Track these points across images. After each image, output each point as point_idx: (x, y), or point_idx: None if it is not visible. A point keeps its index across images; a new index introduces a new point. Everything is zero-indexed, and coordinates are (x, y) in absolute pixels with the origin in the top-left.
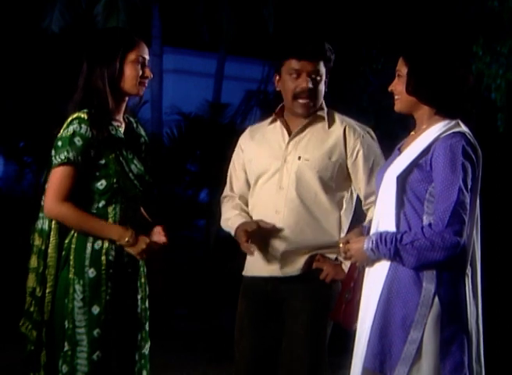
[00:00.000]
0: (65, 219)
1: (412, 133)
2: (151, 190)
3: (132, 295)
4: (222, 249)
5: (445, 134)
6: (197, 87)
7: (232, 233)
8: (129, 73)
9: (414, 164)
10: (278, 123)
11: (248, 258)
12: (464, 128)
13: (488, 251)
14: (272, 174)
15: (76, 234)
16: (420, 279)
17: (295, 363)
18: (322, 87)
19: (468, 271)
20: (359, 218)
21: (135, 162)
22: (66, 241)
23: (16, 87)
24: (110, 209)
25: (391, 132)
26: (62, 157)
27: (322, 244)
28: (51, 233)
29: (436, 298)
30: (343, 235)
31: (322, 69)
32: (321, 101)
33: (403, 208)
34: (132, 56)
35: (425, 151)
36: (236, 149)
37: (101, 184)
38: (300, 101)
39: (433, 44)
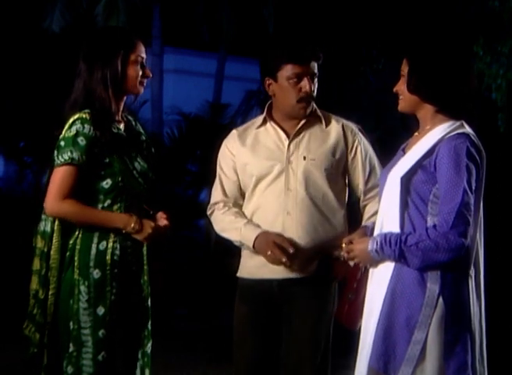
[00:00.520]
0: (69, 215)
1: (416, 134)
2: (154, 187)
3: (136, 293)
4: (222, 249)
5: (449, 135)
6: (197, 88)
7: (248, 244)
8: (131, 74)
9: (418, 165)
10: (269, 125)
11: (248, 260)
12: (468, 129)
13: (490, 251)
14: (276, 176)
15: (80, 235)
16: (424, 280)
17: (302, 365)
18: (316, 88)
19: (472, 272)
20: (355, 216)
21: (138, 159)
22: (71, 242)
23: (16, 87)
24: (115, 208)
25: (391, 132)
26: (66, 157)
27: (333, 242)
28: (54, 234)
29: (440, 299)
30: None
31: (317, 71)
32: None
33: (407, 209)
34: (132, 57)
35: (429, 152)
36: (223, 152)
37: (107, 183)
38: (304, 104)
39: (434, 42)
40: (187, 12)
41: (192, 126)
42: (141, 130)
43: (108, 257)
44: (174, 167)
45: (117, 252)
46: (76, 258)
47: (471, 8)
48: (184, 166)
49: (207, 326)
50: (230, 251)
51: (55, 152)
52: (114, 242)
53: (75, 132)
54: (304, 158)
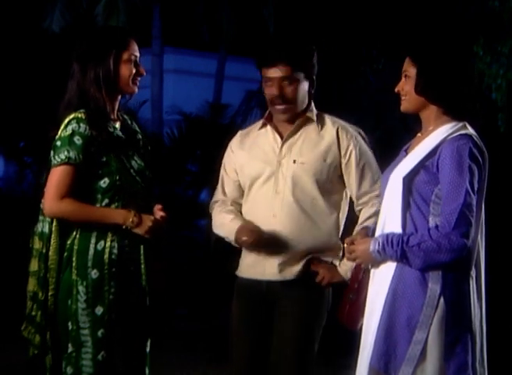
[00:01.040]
0: (68, 214)
1: (418, 134)
2: (152, 185)
3: (134, 293)
4: (222, 249)
5: (452, 136)
6: (197, 88)
7: (231, 237)
8: (124, 72)
9: (421, 165)
10: (269, 128)
11: (244, 259)
12: (470, 130)
13: (491, 252)
14: (267, 178)
15: (78, 236)
16: (425, 280)
17: (283, 363)
18: (297, 92)
19: (473, 273)
20: (352, 219)
21: (135, 158)
22: (68, 242)
23: (16, 87)
24: (113, 207)
25: (391, 132)
26: (63, 157)
27: (320, 247)
28: (52, 235)
29: (442, 299)
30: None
31: (293, 74)
32: (305, 104)
33: (409, 210)
34: (125, 56)
35: (432, 152)
36: (227, 153)
37: (104, 182)
38: (276, 106)
39: (441, 44)
40: (187, 12)
41: (192, 126)
42: (137, 129)
43: (106, 256)
44: (174, 167)
45: (115, 251)
46: (73, 259)
47: (471, 8)
48: (184, 166)
49: (207, 326)
50: (230, 251)
51: (52, 152)
52: (112, 241)
53: (71, 131)
54: (294, 161)
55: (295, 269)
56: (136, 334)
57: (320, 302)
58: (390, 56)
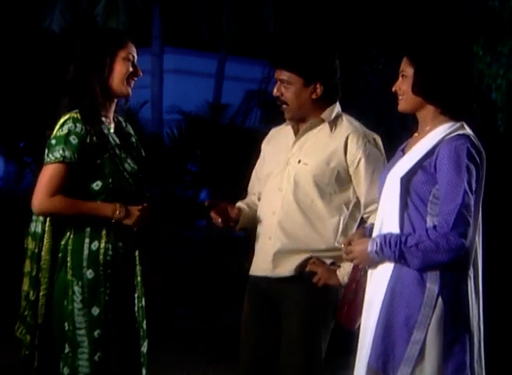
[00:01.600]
0: (57, 210)
1: (415, 134)
2: (143, 187)
3: (129, 294)
4: (222, 249)
5: (449, 136)
6: (197, 88)
7: None
8: (119, 70)
9: (418, 166)
10: (289, 126)
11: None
12: (468, 131)
13: (489, 252)
14: (276, 175)
15: (72, 236)
16: (423, 280)
17: (290, 364)
18: (293, 95)
19: (471, 272)
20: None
21: (128, 160)
22: (62, 243)
23: (16, 87)
24: None
25: (391, 132)
26: (57, 155)
27: (316, 248)
28: (45, 235)
29: (440, 299)
30: (342, 239)
31: (291, 78)
32: (306, 108)
33: (407, 210)
34: (122, 54)
35: (430, 153)
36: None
37: (97, 185)
38: (282, 106)
39: (439, 44)
40: (187, 12)
41: (192, 126)
42: (131, 132)
43: (101, 257)
44: (174, 167)
45: (109, 253)
46: (68, 259)
47: (471, 8)
48: (184, 166)
49: (207, 326)
50: (230, 251)
51: (46, 151)
52: (106, 243)
53: (67, 131)
54: (299, 161)
55: (289, 267)
56: (131, 335)
57: (324, 303)
58: (390, 56)
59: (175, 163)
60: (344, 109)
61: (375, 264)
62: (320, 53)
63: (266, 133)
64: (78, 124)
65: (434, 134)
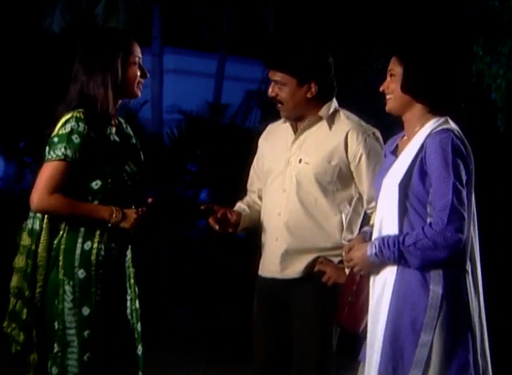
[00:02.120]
0: (55, 208)
1: (405, 138)
2: (141, 188)
3: (120, 296)
4: (222, 249)
5: (434, 131)
6: (197, 88)
7: None
8: (131, 75)
9: (413, 167)
10: (288, 123)
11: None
12: (452, 125)
13: (489, 251)
14: (277, 175)
15: (65, 235)
16: (427, 281)
17: (305, 365)
18: (287, 95)
19: (468, 267)
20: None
21: (128, 162)
22: (55, 242)
23: (16, 87)
24: None
25: (391, 132)
26: (59, 153)
27: (323, 247)
28: (42, 232)
29: (444, 300)
30: (349, 236)
31: (284, 79)
32: (302, 107)
33: (407, 214)
34: (132, 59)
35: (419, 150)
36: (259, 142)
37: (96, 184)
38: (278, 106)
39: (427, 43)
40: (187, 12)
41: (192, 126)
42: (131, 133)
43: (93, 257)
44: (174, 167)
45: (102, 253)
46: (60, 258)
47: (471, 8)
48: (184, 166)
49: (207, 326)
50: (230, 251)
51: (47, 148)
52: (99, 243)
53: (69, 129)
54: (300, 161)
55: (297, 268)
56: (124, 337)
57: (334, 302)
58: (390, 56)
59: (175, 163)
60: (344, 109)
61: (376, 268)
62: (311, 52)
63: None
64: (81, 123)
65: (422, 132)
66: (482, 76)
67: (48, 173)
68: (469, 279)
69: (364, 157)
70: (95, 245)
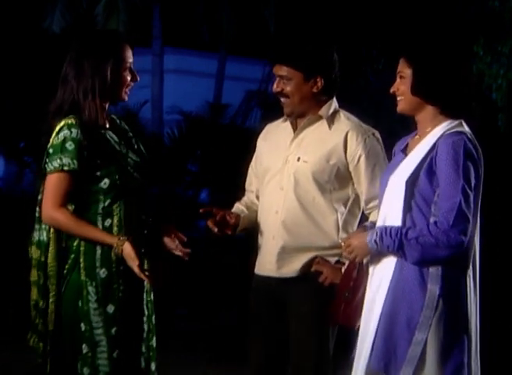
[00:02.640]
0: (62, 225)
1: (416, 136)
2: (150, 180)
3: (140, 289)
4: (222, 249)
5: (448, 133)
6: (197, 88)
7: None
8: (121, 82)
9: (421, 166)
10: (288, 122)
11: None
12: (466, 128)
13: (489, 252)
14: (275, 173)
15: None
16: (424, 280)
17: (302, 365)
18: (293, 90)
19: (469, 271)
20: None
21: (130, 155)
22: (75, 244)
23: (16, 87)
24: (115, 207)
25: (391, 132)
26: (56, 164)
27: (320, 245)
28: (50, 242)
29: (441, 300)
30: (344, 236)
31: (290, 73)
32: (307, 102)
33: (410, 212)
34: (122, 65)
35: (430, 150)
36: (257, 142)
37: (105, 183)
38: (282, 101)
39: (437, 44)
40: (187, 12)
41: (192, 126)
42: (126, 127)
43: (113, 254)
44: (174, 167)
45: None
46: (81, 260)
47: (471, 8)
48: (184, 166)
49: (207, 326)
50: (230, 251)
51: (46, 159)
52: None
53: (63, 138)
54: (299, 159)
55: (294, 267)
56: (141, 329)
57: (330, 302)
58: (390, 56)
59: (175, 163)
60: (344, 109)
61: (374, 263)
62: (318, 47)
63: None
64: (73, 129)
65: (434, 133)
66: (483, 76)
67: (50, 186)
68: (469, 283)
69: (363, 157)
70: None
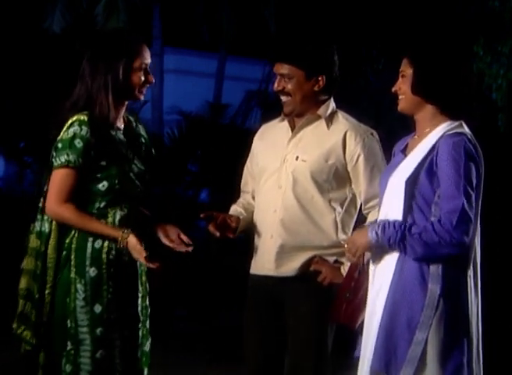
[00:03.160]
0: (66, 220)
1: (415, 137)
2: (149, 188)
3: (132, 294)
4: (222, 249)
5: (448, 133)
6: (197, 88)
7: None
8: (133, 81)
9: (421, 167)
10: (285, 121)
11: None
12: (466, 130)
13: (489, 252)
14: (273, 173)
15: (76, 234)
16: (425, 280)
17: (300, 365)
18: (295, 88)
19: (470, 271)
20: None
21: (135, 161)
22: (67, 241)
23: (16, 87)
24: (110, 210)
25: (391, 132)
26: (63, 160)
27: (319, 244)
28: (52, 234)
29: (441, 300)
30: (342, 236)
31: (292, 71)
32: (307, 101)
33: (411, 212)
34: (136, 64)
35: (431, 150)
36: (253, 142)
37: (103, 186)
38: (283, 99)
39: (438, 44)
40: (187, 12)
41: (192, 126)
42: (141, 132)
43: (104, 256)
44: (174, 167)
45: (113, 252)
46: (72, 257)
47: (471, 8)
48: (184, 166)
49: (206, 326)
50: (230, 251)
51: (53, 153)
52: (109, 242)
53: (72, 134)
54: (297, 158)
55: (293, 266)
56: (133, 334)
57: (329, 301)
58: (390, 56)
59: (175, 163)
60: (344, 110)
61: (375, 259)
62: (319, 45)
63: None
64: (84, 127)
65: (434, 134)
66: (483, 76)
67: (56, 181)
68: (470, 283)
69: (361, 157)
70: (106, 244)
